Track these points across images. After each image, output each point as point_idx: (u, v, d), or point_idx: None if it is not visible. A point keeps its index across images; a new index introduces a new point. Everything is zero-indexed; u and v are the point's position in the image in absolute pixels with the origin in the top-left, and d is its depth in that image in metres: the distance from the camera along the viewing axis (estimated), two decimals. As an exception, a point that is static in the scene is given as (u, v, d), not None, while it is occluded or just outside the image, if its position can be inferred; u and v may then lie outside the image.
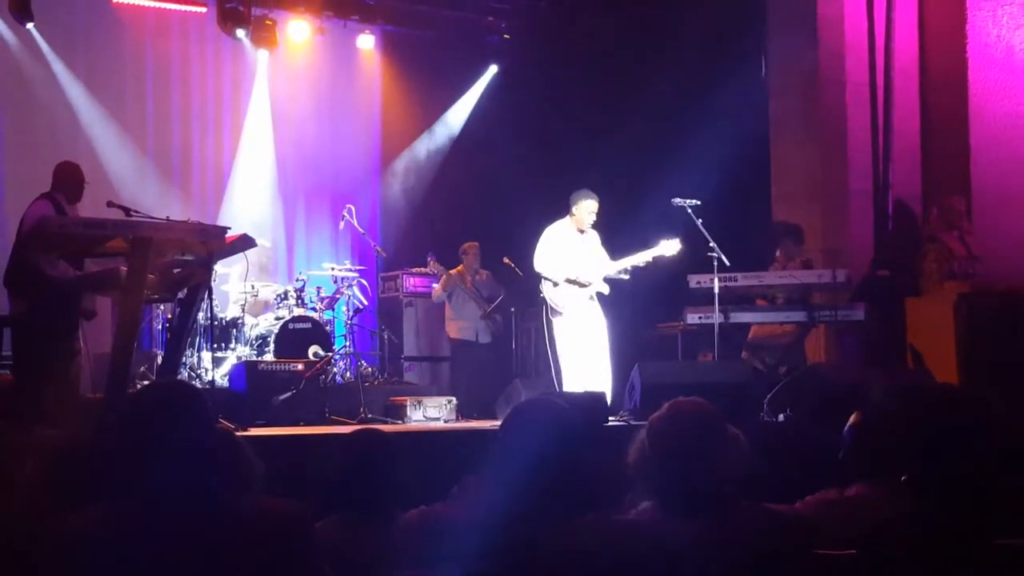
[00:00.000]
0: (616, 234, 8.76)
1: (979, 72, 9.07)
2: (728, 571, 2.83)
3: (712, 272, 8.33)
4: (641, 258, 8.43)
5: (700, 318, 8.52)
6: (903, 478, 2.79)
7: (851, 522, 3.11)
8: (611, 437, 6.74)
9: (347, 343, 10.35)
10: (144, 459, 2.60)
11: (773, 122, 10.05)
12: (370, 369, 10.43)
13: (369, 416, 8.38)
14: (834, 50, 9.49)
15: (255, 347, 9.80)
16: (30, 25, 10.85)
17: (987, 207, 8.91)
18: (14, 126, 11.17)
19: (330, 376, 9.61)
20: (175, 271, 7.04)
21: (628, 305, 9.14)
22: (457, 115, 13.60)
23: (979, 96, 9.06)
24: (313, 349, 9.51)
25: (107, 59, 11.79)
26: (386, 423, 8.23)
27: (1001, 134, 9.04)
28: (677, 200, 8.46)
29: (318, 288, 10.65)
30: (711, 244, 8.33)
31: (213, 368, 9.07)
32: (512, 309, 10.65)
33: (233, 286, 10.18)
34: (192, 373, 9.16)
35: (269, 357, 9.49)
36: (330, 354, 9.63)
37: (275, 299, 10.28)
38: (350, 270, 10.88)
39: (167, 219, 6.84)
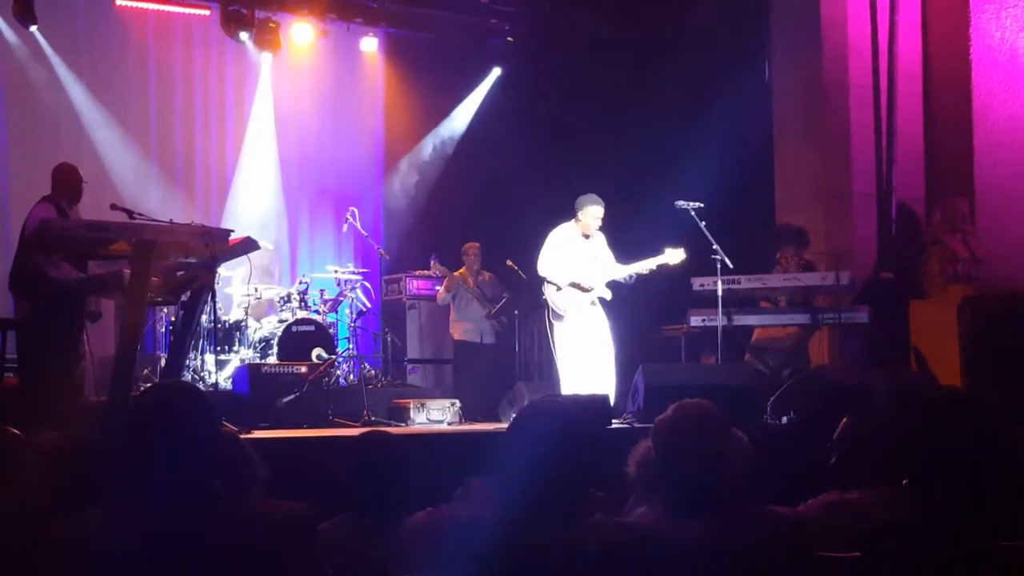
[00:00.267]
0: (619, 236, 8.75)
1: (983, 74, 9.06)
2: (732, 573, 2.84)
3: (715, 275, 8.33)
4: (645, 265, 8.42)
5: (703, 320, 8.52)
6: (905, 481, 2.80)
7: (853, 524, 3.11)
8: (614, 440, 6.74)
9: (350, 346, 10.36)
10: (147, 461, 2.60)
11: (776, 125, 10.05)
12: (373, 372, 10.43)
13: (372, 419, 8.38)
14: (837, 53, 9.49)
15: (258, 350, 9.80)
16: (33, 28, 10.86)
17: (991, 209, 8.91)
18: (18, 128, 11.18)
19: (333, 379, 9.61)
20: (178, 274, 7.04)
21: (631, 307, 9.13)
22: (460, 118, 13.59)
23: (983, 99, 9.05)
24: (316, 352, 9.51)
25: (110, 62, 11.80)
26: (389, 426, 8.23)
27: (1005, 136, 9.04)
28: (680, 203, 8.46)
29: (321, 291, 10.64)
30: (714, 247, 8.32)
31: (216, 371, 9.07)
32: (516, 312, 10.65)
33: (236, 289, 10.19)
34: (195, 376, 9.16)
35: (272, 360, 9.49)
36: (333, 357, 9.63)
37: (278, 302, 10.29)
38: (353, 273, 10.88)
39: (170, 222, 6.84)
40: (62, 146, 10.66)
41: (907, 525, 2.70)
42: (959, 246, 8.50)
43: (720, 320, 8.31)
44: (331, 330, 10.12)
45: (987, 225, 8.81)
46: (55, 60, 11.38)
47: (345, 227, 11.15)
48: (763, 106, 10.12)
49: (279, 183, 12.75)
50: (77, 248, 6.55)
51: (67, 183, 7.29)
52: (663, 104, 10.81)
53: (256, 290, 10.10)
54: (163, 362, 9.04)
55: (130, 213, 6.83)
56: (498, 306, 10.71)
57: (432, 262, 10.96)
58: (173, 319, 9.19)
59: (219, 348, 9.51)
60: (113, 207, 7.00)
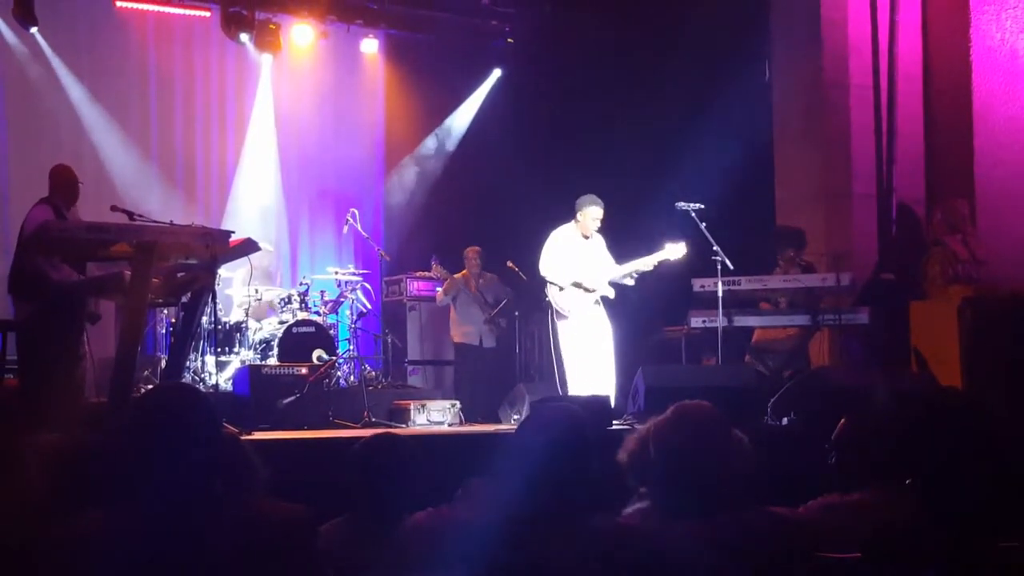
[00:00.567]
0: (620, 238, 8.76)
1: (983, 76, 9.06)
2: (733, 574, 2.83)
3: (716, 276, 8.33)
4: (646, 263, 8.42)
5: (704, 322, 8.52)
6: (907, 482, 2.79)
7: (854, 526, 3.11)
8: (615, 441, 6.74)
9: (351, 347, 10.36)
10: (148, 463, 2.60)
11: (777, 125, 10.05)
12: (374, 373, 10.43)
13: (373, 420, 8.37)
14: (838, 54, 9.49)
15: (259, 351, 9.80)
16: (34, 29, 10.87)
17: (991, 210, 8.91)
18: (18, 130, 11.19)
19: (334, 380, 9.61)
20: (179, 275, 7.04)
21: (632, 309, 9.14)
22: (461, 119, 13.60)
23: (983, 100, 9.05)
24: (317, 353, 9.51)
25: (111, 63, 11.80)
26: (390, 427, 8.22)
27: (1005, 137, 9.03)
28: (681, 204, 8.46)
29: (322, 292, 10.64)
30: (715, 248, 8.33)
31: (217, 372, 9.07)
32: (516, 313, 10.65)
33: (237, 290, 10.19)
34: (196, 377, 9.16)
35: (273, 361, 9.49)
36: (334, 358, 9.63)
37: (279, 303, 10.28)
38: (354, 274, 10.89)
39: (171, 223, 6.85)
40: (62, 148, 10.66)
41: (907, 526, 2.70)
42: (959, 247, 8.50)
43: (720, 321, 8.31)
44: (331, 331, 10.12)
45: (987, 226, 8.80)
46: (55, 61, 11.39)
47: (345, 228, 11.15)
48: (763, 107, 10.12)
49: (279, 184, 12.76)
50: (77, 250, 6.55)
51: (63, 184, 7.29)
52: (663, 105, 10.81)
53: (256, 291, 10.10)
54: (164, 363, 9.04)
55: (130, 214, 6.83)
56: (496, 310, 10.71)
57: (433, 264, 10.96)
58: (173, 320, 9.19)
59: (219, 349, 9.51)
60: (113, 208, 7.01)
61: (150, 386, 8.47)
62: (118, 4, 11.62)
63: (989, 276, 8.38)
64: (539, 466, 2.76)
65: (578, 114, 11.91)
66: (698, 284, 8.48)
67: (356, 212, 10.90)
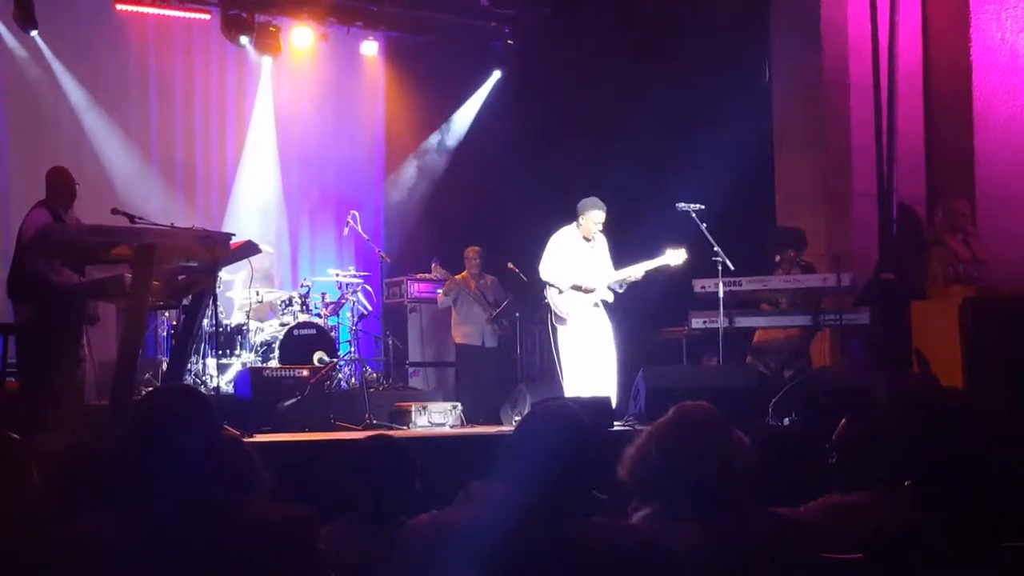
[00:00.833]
0: (620, 239, 8.76)
1: (983, 75, 9.06)
2: (734, 575, 2.83)
3: (717, 276, 8.33)
4: (646, 267, 8.42)
5: (705, 322, 8.52)
6: (907, 483, 2.79)
7: (855, 526, 3.10)
8: (616, 442, 6.74)
9: (352, 349, 10.36)
10: (149, 465, 2.60)
11: (777, 126, 10.05)
12: (375, 375, 10.43)
13: (374, 422, 8.38)
14: (838, 53, 9.49)
15: (260, 353, 9.80)
16: (34, 32, 10.88)
17: (992, 210, 8.90)
18: (18, 133, 11.19)
19: (335, 382, 9.62)
20: (180, 278, 7.05)
21: (633, 309, 9.14)
22: (461, 121, 13.60)
23: (983, 99, 9.04)
24: (318, 355, 9.51)
25: (111, 66, 11.81)
26: (391, 428, 8.23)
27: (1005, 137, 9.03)
28: (681, 205, 8.46)
29: (323, 294, 10.64)
30: (715, 248, 8.33)
31: (218, 375, 9.07)
32: (517, 314, 10.65)
33: (238, 292, 10.20)
34: (197, 380, 9.16)
35: (274, 363, 9.49)
36: (335, 360, 9.63)
37: (280, 305, 10.29)
38: (354, 276, 10.89)
39: (171, 226, 6.84)
40: (63, 151, 10.66)
41: (908, 527, 2.70)
42: (960, 247, 8.50)
43: (721, 322, 8.31)
44: (332, 333, 10.12)
45: (988, 226, 8.80)
46: (56, 65, 11.40)
47: (346, 230, 11.15)
48: (763, 107, 10.12)
49: (280, 187, 12.76)
50: (79, 253, 6.56)
51: (60, 186, 7.30)
52: (663, 106, 10.80)
53: (257, 294, 10.10)
54: (165, 366, 9.04)
55: (131, 217, 6.83)
56: (499, 309, 10.71)
57: (433, 265, 10.98)
58: (174, 323, 9.19)
59: (221, 352, 9.51)
60: (114, 211, 7.00)
61: (151, 389, 8.47)
62: (118, 7, 11.61)
63: (990, 276, 8.38)
64: (537, 467, 2.75)
65: (578, 115, 11.90)
66: (699, 285, 8.48)
67: (356, 214, 10.91)
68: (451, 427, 8.61)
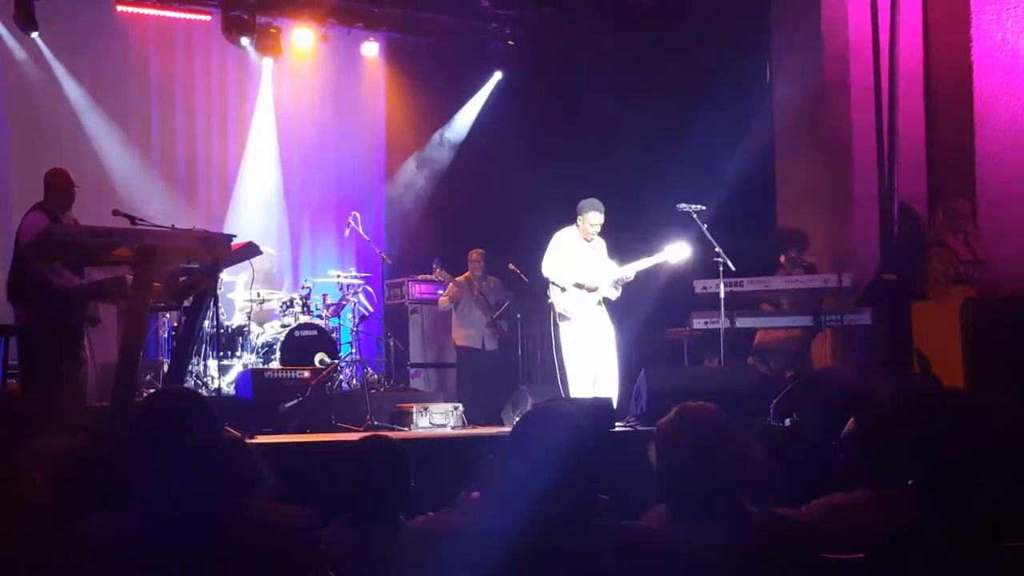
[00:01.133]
0: (621, 239, 8.76)
1: (984, 75, 9.05)
2: (735, 575, 2.83)
3: (718, 277, 8.33)
4: (647, 263, 8.41)
5: (706, 323, 8.52)
6: (909, 483, 2.79)
7: (856, 526, 3.11)
8: (617, 443, 6.74)
9: (353, 350, 10.36)
10: (151, 467, 2.60)
11: (778, 127, 10.05)
12: (376, 376, 10.43)
13: (375, 423, 8.38)
14: (838, 54, 9.49)
15: (261, 355, 9.80)
16: (35, 34, 10.88)
17: (993, 210, 8.90)
18: (19, 134, 11.19)
19: (336, 383, 9.62)
20: (181, 279, 7.04)
21: (634, 310, 9.14)
22: (462, 121, 13.60)
23: (984, 99, 9.04)
24: (319, 356, 9.51)
25: (111, 68, 11.81)
26: (392, 430, 8.23)
27: (1006, 137, 9.03)
28: (682, 205, 8.46)
29: (324, 295, 10.64)
30: (717, 249, 8.33)
31: (219, 376, 9.07)
32: (518, 315, 10.66)
33: (239, 294, 10.20)
34: (198, 381, 9.17)
35: (275, 365, 9.49)
36: (336, 361, 9.63)
37: (281, 307, 10.29)
38: (355, 277, 10.88)
39: (172, 227, 6.84)
40: (63, 152, 10.66)
41: (910, 527, 2.70)
42: (961, 247, 8.49)
43: (723, 323, 8.31)
44: (334, 335, 10.12)
45: (989, 226, 8.80)
46: (56, 66, 11.40)
47: (347, 231, 11.15)
48: (764, 108, 10.12)
49: (281, 188, 12.76)
50: (80, 254, 6.55)
51: (59, 187, 7.30)
52: (664, 106, 10.80)
53: (259, 295, 10.11)
54: (166, 367, 9.05)
55: (132, 219, 6.83)
56: (498, 313, 10.71)
57: (434, 267, 10.97)
58: (176, 324, 9.18)
59: (222, 353, 9.51)
60: (115, 213, 7.00)
61: (152, 390, 8.48)
62: (119, 9, 11.61)
63: (991, 276, 8.38)
64: (533, 469, 2.75)
65: (578, 116, 11.91)
66: (700, 285, 8.48)
67: (358, 215, 10.91)
68: (452, 428, 8.61)
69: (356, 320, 10.60)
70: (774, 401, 7.50)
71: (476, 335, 10.84)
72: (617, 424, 7.51)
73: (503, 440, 3.01)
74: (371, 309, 11.03)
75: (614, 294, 8.44)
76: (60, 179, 7.37)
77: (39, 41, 11.13)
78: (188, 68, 12.28)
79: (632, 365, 8.57)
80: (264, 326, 10.11)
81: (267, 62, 12.44)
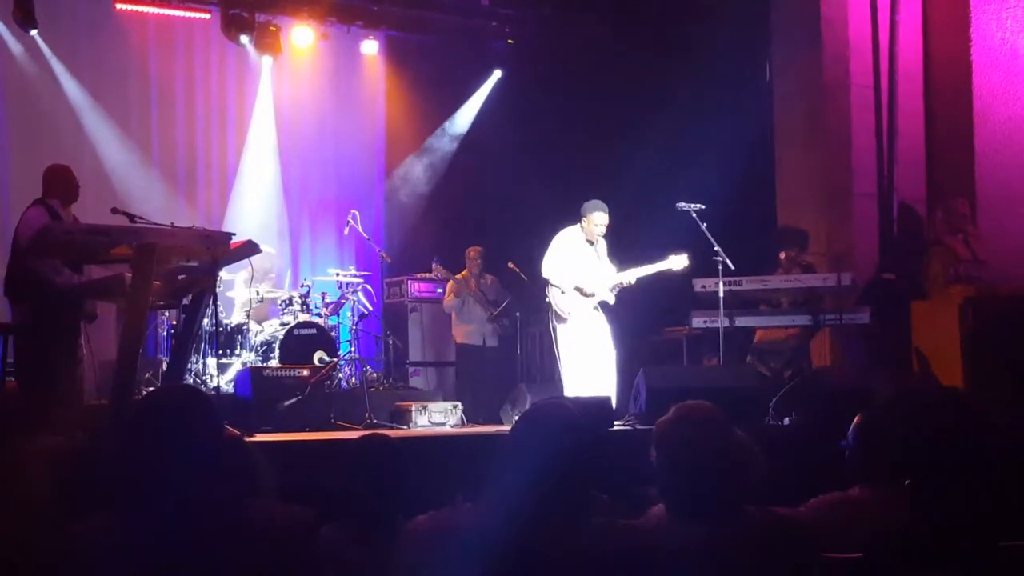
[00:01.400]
0: (621, 238, 8.75)
1: (983, 75, 9.06)
2: (733, 574, 2.83)
3: (717, 276, 8.33)
4: (649, 270, 8.41)
5: (705, 322, 8.52)
6: (907, 482, 2.79)
7: (854, 524, 3.11)
8: (616, 442, 6.74)
9: (352, 348, 10.36)
10: (150, 465, 2.60)
11: (777, 126, 10.05)
12: (375, 374, 10.43)
13: (375, 421, 8.38)
14: (838, 53, 9.49)
15: (260, 353, 9.80)
16: (34, 32, 10.87)
17: (992, 210, 8.90)
18: (18, 133, 11.18)
19: (335, 382, 9.62)
20: (180, 277, 7.04)
21: (634, 309, 9.14)
22: (461, 120, 13.59)
23: (983, 99, 9.05)
24: (318, 355, 9.51)
25: (111, 66, 11.80)
26: (391, 428, 8.23)
27: (1006, 137, 9.03)
28: (682, 204, 8.46)
29: (323, 294, 10.64)
30: (716, 248, 8.33)
31: (218, 374, 9.06)
32: (518, 314, 10.66)
33: (238, 292, 10.19)
34: (197, 379, 9.16)
35: (274, 363, 9.49)
36: (335, 360, 9.63)
37: (280, 305, 10.29)
38: (355, 275, 10.88)
39: (171, 225, 6.82)
40: (62, 150, 10.62)
41: (909, 526, 2.70)
42: (960, 247, 8.50)
43: (722, 322, 8.31)
44: (333, 333, 10.12)
45: (988, 225, 8.80)
46: (55, 64, 11.39)
47: (346, 230, 11.15)
48: (764, 107, 10.12)
49: (280, 186, 12.75)
50: (79, 253, 6.54)
51: (61, 184, 7.28)
52: (664, 105, 10.80)
53: (258, 293, 10.10)
54: (165, 366, 9.04)
55: (131, 217, 6.82)
56: (499, 309, 10.72)
57: (434, 265, 10.97)
58: (175, 323, 9.19)
59: (221, 351, 9.50)
60: (114, 211, 6.99)
61: (152, 388, 8.48)
62: (118, 6, 11.61)
63: (990, 275, 8.38)
64: (533, 467, 2.75)
65: (578, 115, 11.91)
66: (699, 284, 8.48)
67: (357, 213, 10.90)
68: (451, 427, 8.61)
69: (355, 318, 10.60)
70: (773, 400, 7.51)
71: (476, 332, 10.83)
72: (616, 423, 7.51)
73: (503, 439, 3.01)
74: (370, 307, 11.03)
75: (611, 299, 8.43)
76: (65, 175, 7.35)
77: (38, 39, 11.12)
78: (188, 66, 12.27)
79: (631, 364, 8.57)
80: (263, 324, 10.10)
81: (266, 60, 12.44)
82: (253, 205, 12.43)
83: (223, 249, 6.66)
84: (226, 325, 9.81)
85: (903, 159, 9.25)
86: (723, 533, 2.85)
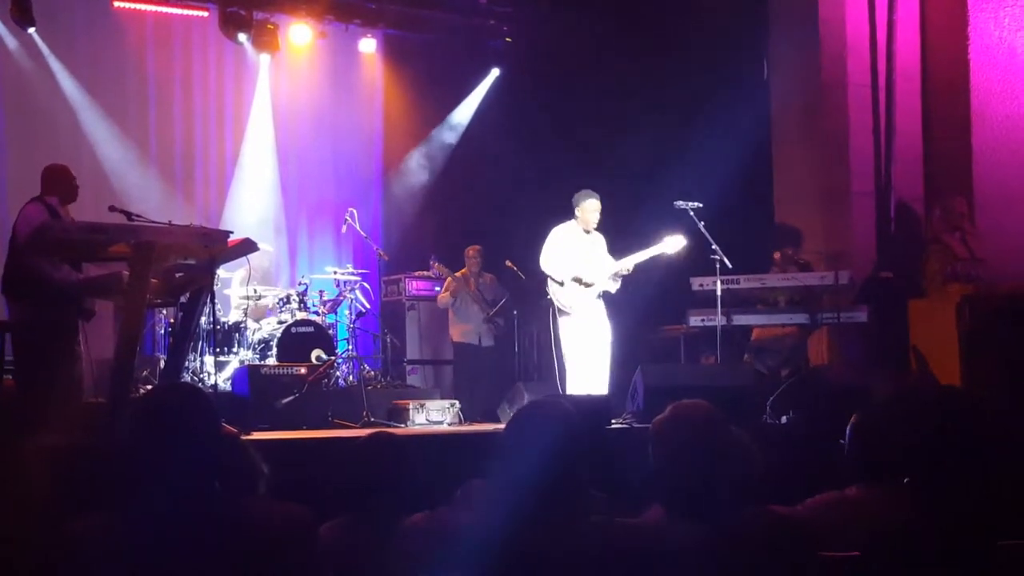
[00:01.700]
0: (618, 237, 8.75)
1: (981, 74, 9.06)
2: (731, 573, 2.83)
3: (715, 274, 8.33)
4: (644, 255, 8.40)
5: (703, 320, 8.53)
6: (905, 480, 2.79)
7: (851, 523, 3.11)
8: (614, 440, 6.74)
9: (349, 347, 10.36)
10: (148, 463, 2.60)
11: (775, 124, 10.05)
12: (372, 373, 10.42)
13: (372, 420, 8.37)
14: (836, 52, 9.49)
15: (258, 351, 9.79)
16: (31, 29, 10.86)
17: (989, 208, 8.91)
18: (15, 130, 11.16)
19: (333, 380, 9.61)
20: (177, 275, 7.03)
21: (631, 307, 9.14)
22: (459, 118, 13.58)
23: (981, 98, 9.05)
24: (316, 353, 9.51)
25: (109, 63, 11.78)
26: (389, 426, 8.22)
27: (1003, 135, 9.04)
28: (679, 203, 8.46)
29: (320, 292, 10.63)
30: (713, 246, 8.33)
31: (216, 372, 9.05)
32: (515, 312, 10.65)
33: (235, 290, 10.18)
34: (195, 377, 9.15)
35: (272, 361, 9.48)
36: (333, 358, 9.63)
37: (277, 303, 10.28)
38: (352, 274, 10.87)
39: (169, 223, 6.82)
40: (60, 148, 10.63)
41: (907, 525, 2.70)
42: (958, 245, 8.50)
43: (719, 320, 8.31)
44: (330, 331, 10.11)
45: (986, 224, 8.81)
46: (53, 62, 11.37)
47: (344, 228, 11.14)
48: (761, 105, 10.12)
49: (278, 184, 12.74)
50: (76, 250, 6.53)
51: (60, 183, 7.26)
52: (662, 104, 10.81)
53: (255, 291, 10.09)
54: (162, 364, 9.04)
55: (128, 215, 6.81)
56: (496, 308, 10.71)
57: (432, 262, 10.97)
58: (172, 321, 9.18)
59: (218, 349, 9.50)
60: (111, 209, 6.98)
61: (149, 387, 8.47)
62: (116, 4, 11.60)
63: (988, 274, 8.39)
64: (529, 466, 2.75)
65: (576, 113, 11.90)
66: (697, 283, 8.48)
67: (355, 212, 10.90)
68: (449, 425, 8.60)
69: (353, 317, 10.59)
70: (771, 398, 7.51)
71: (473, 331, 10.83)
72: (614, 421, 7.51)
73: (499, 437, 3.01)
74: (368, 306, 11.02)
75: (613, 287, 8.42)
76: (64, 174, 7.33)
77: (36, 36, 11.11)
78: (185, 64, 12.26)
79: (629, 362, 8.57)
80: (261, 322, 10.09)
81: (264, 58, 12.43)
82: (251, 203, 12.43)
83: (221, 247, 6.66)
84: (223, 323, 9.80)
85: (901, 158, 9.26)
86: (721, 532, 2.85)
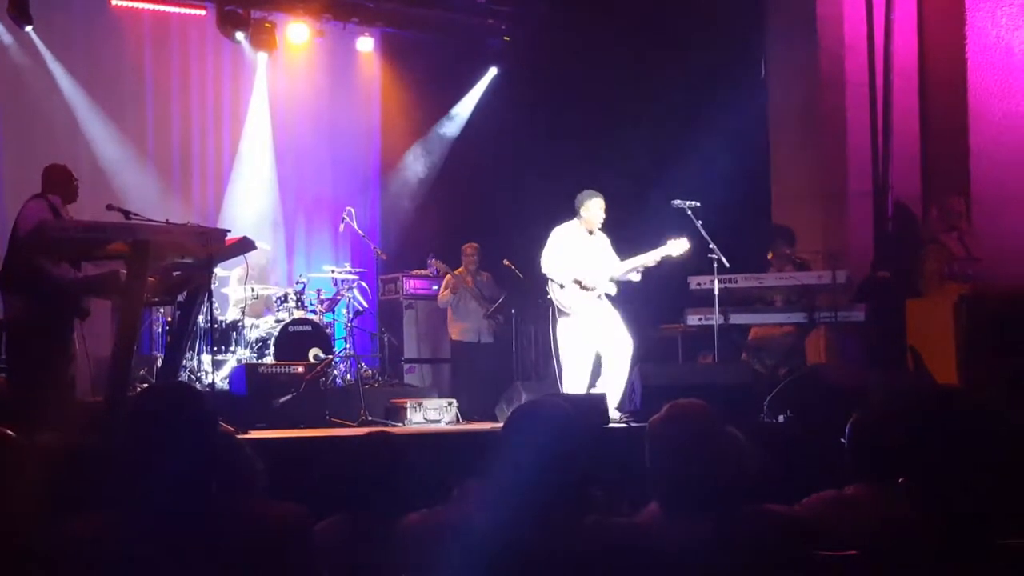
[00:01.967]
0: (616, 236, 8.74)
1: (978, 73, 9.06)
2: (729, 572, 2.83)
3: (712, 273, 8.33)
4: (649, 258, 8.37)
5: (700, 319, 8.52)
6: (901, 480, 2.79)
7: (849, 522, 3.11)
8: (611, 439, 6.74)
9: (347, 345, 10.35)
10: (145, 462, 2.60)
11: (773, 123, 10.06)
12: (370, 371, 10.43)
13: (369, 418, 8.37)
14: (833, 51, 9.50)
15: (255, 350, 9.79)
16: (29, 28, 10.85)
17: (987, 208, 8.91)
18: (12, 129, 11.16)
19: (330, 379, 9.61)
20: (175, 274, 7.03)
21: (629, 306, 9.12)
22: (457, 117, 13.59)
23: (978, 97, 9.05)
24: (313, 352, 9.51)
25: (106, 62, 11.78)
26: (386, 425, 8.22)
27: (1001, 135, 9.03)
28: (677, 202, 8.45)
29: (318, 291, 10.63)
30: (711, 246, 8.32)
31: (213, 371, 9.05)
32: (513, 311, 10.65)
33: (233, 289, 10.18)
34: (192, 376, 9.15)
35: (269, 360, 9.48)
36: (330, 357, 9.63)
37: (275, 302, 10.28)
38: (350, 272, 10.86)
39: (167, 222, 6.82)
40: (58, 147, 10.61)
41: (904, 524, 2.70)
42: (955, 245, 8.50)
43: (717, 319, 8.31)
44: (328, 330, 10.11)
45: (983, 223, 8.81)
46: (50, 60, 11.37)
47: (342, 227, 11.14)
48: (759, 105, 10.12)
49: (275, 183, 12.74)
50: (74, 249, 6.52)
51: (61, 183, 7.26)
52: (660, 103, 10.81)
53: (253, 290, 10.09)
54: (160, 362, 9.03)
55: (126, 213, 6.80)
56: (495, 306, 10.72)
57: (431, 260, 10.97)
58: (169, 319, 9.17)
59: (216, 348, 9.50)
60: (109, 207, 6.97)
61: (146, 385, 8.47)
62: (113, 2, 11.60)
63: (985, 273, 8.38)
64: (525, 466, 2.75)
65: (574, 112, 11.90)
66: (694, 282, 8.48)
67: (352, 210, 10.90)
68: (446, 424, 8.60)
69: (350, 315, 10.59)
70: (768, 398, 7.51)
71: (472, 329, 10.84)
72: (612, 420, 7.50)
73: (495, 436, 3.01)
74: (365, 304, 11.02)
75: (613, 290, 8.41)
76: (64, 175, 7.32)
77: (33, 35, 11.10)
78: (183, 63, 12.26)
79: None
80: (258, 321, 10.09)
81: (262, 57, 12.43)
82: (248, 202, 12.43)
83: (218, 246, 6.65)
84: (221, 322, 9.80)
85: (898, 157, 9.26)
86: (718, 531, 2.85)
